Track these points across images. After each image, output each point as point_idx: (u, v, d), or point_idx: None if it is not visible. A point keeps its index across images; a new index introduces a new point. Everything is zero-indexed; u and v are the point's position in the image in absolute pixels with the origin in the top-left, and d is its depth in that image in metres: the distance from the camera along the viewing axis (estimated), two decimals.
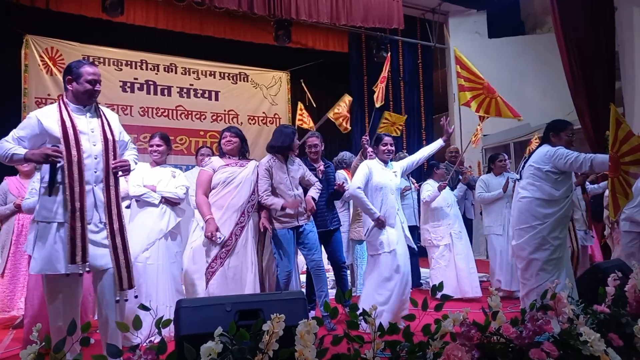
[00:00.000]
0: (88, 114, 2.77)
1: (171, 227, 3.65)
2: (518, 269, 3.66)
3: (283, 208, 3.70)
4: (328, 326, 3.62)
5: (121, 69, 7.54)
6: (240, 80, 8.58)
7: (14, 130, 2.67)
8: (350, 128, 6.13)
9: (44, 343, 1.61)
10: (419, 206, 5.49)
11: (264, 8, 6.73)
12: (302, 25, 7.83)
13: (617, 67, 6.79)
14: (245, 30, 7.85)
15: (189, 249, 4.09)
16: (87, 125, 2.73)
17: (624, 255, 4.41)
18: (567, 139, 3.51)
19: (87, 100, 2.76)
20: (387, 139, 4.06)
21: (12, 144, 2.62)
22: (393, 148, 4.11)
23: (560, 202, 3.40)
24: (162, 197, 3.64)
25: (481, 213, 5.79)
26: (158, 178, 3.71)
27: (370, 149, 4.34)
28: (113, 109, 3.05)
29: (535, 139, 5.70)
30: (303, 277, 4.54)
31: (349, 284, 4.55)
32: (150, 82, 7.77)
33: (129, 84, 7.59)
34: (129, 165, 2.82)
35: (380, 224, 3.78)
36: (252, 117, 8.61)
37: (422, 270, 5.89)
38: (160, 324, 1.70)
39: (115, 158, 2.78)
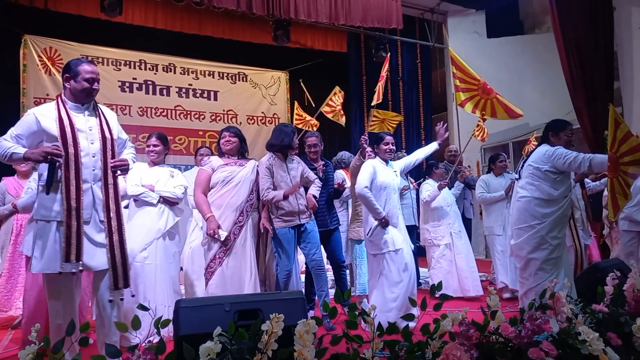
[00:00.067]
0: (86, 112, 2.76)
1: (169, 226, 3.65)
2: (517, 269, 3.67)
3: (285, 197, 3.68)
4: (327, 326, 3.62)
5: (120, 69, 7.54)
6: (239, 80, 8.58)
7: (12, 128, 2.67)
8: (344, 119, 6.16)
9: (42, 343, 1.61)
10: (418, 206, 5.50)
11: (263, 8, 6.73)
12: (300, 25, 7.84)
13: (616, 67, 6.79)
14: (244, 30, 7.85)
15: (187, 249, 4.09)
16: (85, 123, 2.73)
17: (623, 255, 4.42)
18: (566, 138, 3.52)
19: (85, 98, 2.75)
20: (388, 138, 4.06)
21: (11, 143, 2.62)
22: (394, 147, 4.12)
23: (559, 202, 3.40)
24: (161, 197, 3.64)
25: (481, 213, 5.79)
26: (156, 178, 3.71)
27: (369, 149, 4.34)
28: (112, 109, 3.05)
29: (534, 139, 5.71)
30: (302, 277, 4.53)
31: (348, 283, 4.55)
32: (149, 82, 7.77)
33: (127, 84, 7.59)
34: (128, 164, 2.82)
35: (385, 223, 3.78)
36: (251, 117, 8.61)
37: (420, 269, 5.88)
38: (159, 324, 1.70)
39: (113, 156, 2.77)
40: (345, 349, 1.79)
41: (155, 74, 7.84)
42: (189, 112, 8.05)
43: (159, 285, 3.55)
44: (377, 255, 3.84)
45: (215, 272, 3.47)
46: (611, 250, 5.28)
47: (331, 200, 4.40)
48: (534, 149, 3.65)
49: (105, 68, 7.27)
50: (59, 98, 2.75)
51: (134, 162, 2.98)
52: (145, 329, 2.90)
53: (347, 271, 4.52)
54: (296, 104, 6.50)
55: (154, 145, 3.78)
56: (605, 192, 3.83)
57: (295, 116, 6.44)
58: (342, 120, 5.86)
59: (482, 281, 5.26)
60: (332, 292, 4.16)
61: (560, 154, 3.35)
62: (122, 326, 1.80)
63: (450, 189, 5.38)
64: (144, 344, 1.78)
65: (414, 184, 5.73)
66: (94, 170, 2.69)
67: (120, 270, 2.70)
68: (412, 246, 4.19)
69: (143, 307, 1.79)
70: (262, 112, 8.74)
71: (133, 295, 2.82)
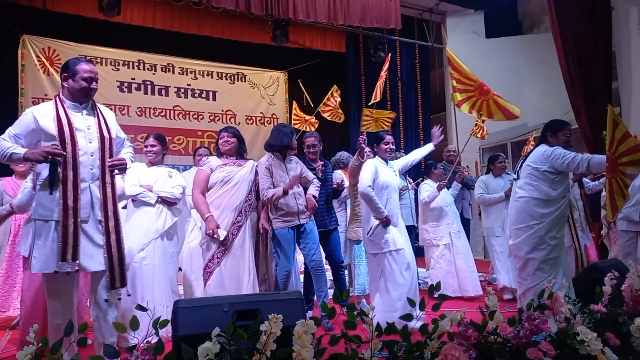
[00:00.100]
0: (84, 111, 2.76)
1: (167, 226, 3.65)
2: (515, 268, 3.67)
3: (285, 192, 3.68)
4: (326, 326, 3.62)
5: (118, 69, 7.54)
6: (237, 80, 8.58)
7: (10, 128, 2.67)
8: (343, 117, 6.18)
9: (40, 344, 1.61)
10: (416, 206, 5.50)
11: (262, 8, 6.73)
12: (299, 25, 7.83)
13: (614, 67, 6.80)
14: (242, 30, 7.84)
15: (186, 249, 4.09)
16: (83, 122, 2.72)
17: (621, 255, 4.42)
18: (565, 139, 3.52)
19: (83, 98, 2.75)
20: (388, 138, 4.07)
21: (10, 143, 2.61)
22: (394, 147, 4.12)
23: (557, 202, 3.41)
24: (159, 197, 3.64)
25: (480, 214, 5.79)
26: (154, 178, 3.71)
27: (367, 149, 4.33)
28: (110, 109, 3.04)
29: (533, 139, 5.71)
30: (301, 277, 4.53)
31: (347, 283, 4.55)
32: (147, 82, 7.77)
33: (126, 84, 7.59)
34: (126, 163, 2.82)
35: (386, 222, 3.78)
36: (249, 117, 8.61)
37: (419, 270, 5.88)
38: (157, 324, 1.70)
39: (111, 156, 2.77)
40: (344, 349, 1.79)
41: (153, 74, 7.83)
42: (187, 112, 8.05)
43: (157, 285, 3.55)
44: (378, 255, 3.84)
45: (214, 272, 3.47)
46: (609, 251, 5.29)
47: (330, 200, 4.40)
48: (532, 149, 3.65)
49: (103, 68, 7.27)
50: (57, 97, 2.75)
51: (132, 161, 2.98)
52: (144, 330, 2.92)
53: (346, 271, 4.52)
54: (295, 104, 6.50)
55: (152, 146, 3.78)
56: (604, 192, 3.83)
57: (293, 116, 6.44)
58: (341, 118, 5.88)
59: (480, 281, 5.26)
60: (330, 292, 4.16)
61: (558, 154, 3.35)
62: (121, 326, 1.80)
63: (448, 189, 5.38)
64: (142, 345, 1.78)
65: (412, 184, 5.74)
66: (92, 169, 2.69)
67: (117, 270, 2.70)
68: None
69: (141, 308, 1.79)
70: (261, 112, 8.74)
71: (129, 295, 2.82)
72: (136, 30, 7.19)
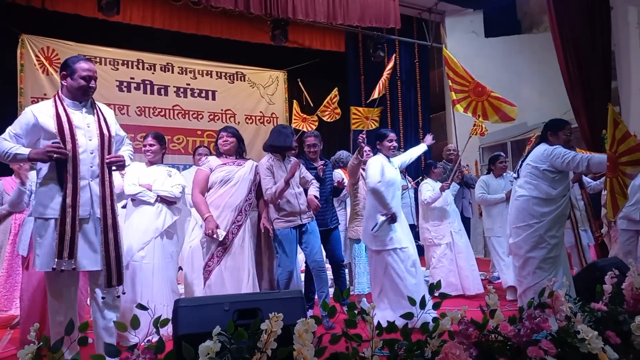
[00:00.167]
0: (84, 110, 2.76)
1: (167, 225, 3.65)
2: (515, 267, 3.67)
3: (286, 182, 3.67)
4: (326, 325, 3.62)
5: (118, 69, 7.53)
6: (237, 80, 8.57)
7: (10, 127, 2.66)
8: (340, 114, 6.21)
9: (41, 343, 1.61)
10: (416, 205, 5.49)
11: (261, 7, 6.72)
12: (298, 24, 7.83)
13: (613, 66, 6.80)
14: (242, 29, 7.83)
15: (187, 248, 4.09)
16: (83, 120, 2.72)
17: (622, 253, 4.43)
18: (565, 138, 3.52)
19: (82, 96, 2.74)
20: (391, 135, 4.07)
21: (12, 143, 2.61)
22: (397, 144, 4.13)
23: (557, 201, 3.41)
24: (158, 196, 3.64)
25: (480, 214, 5.79)
26: (153, 177, 3.71)
27: (367, 148, 4.34)
28: (110, 109, 3.04)
29: (535, 139, 5.70)
30: (302, 276, 4.53)
31: (347, 282, 4.56)
32: (147, 82, 7.76)
33: (125, 84, 7.58)
34: (124, 160, 2.81)
35: (393, 219, 3.79)
36: (249, 117, 8.61)
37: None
38: (158, 323, 1.70)
39: (110, 153, 2.77)
40: (345, 347, 1.79)
41: (153, 73, 7.83)
42: (187, 112, 8.04)
43: (156, 284, 3.54)
44: (382, 253, 3.82)
45: (213, 271, 3.47)
46: (609, 249, 5.29)
47: (331, 199, 4.40)
48: (531, 148, 3.66)
49: (103, 68, 7.26)
50: (56, 96, 2.75)
51: (130, 159, 2.98)
52: (144, 329, 2.92)
53: (346, 270, 4.52)
54: (296, 104, 6.50)
55: (150, 145, 3.78)
56: (604, 191, 3.83)
57: (293, 116, 6.44)
58: (336, 117, 5.92)
59: (481, 280, 5.26)
60: (331, 291, 4.17)
61: (558, 153, 3.35)
62: (121, 325, 1.80)
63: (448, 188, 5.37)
64: (143, 344, 1.78)
65: (412, 183, 5.74)
66: (92, 167, 2.69)
67: (114, 268, 2.70)
68: None
69: (142, 307, 1.79)
70: (261, 112, 8.74)
71: (124, 293, 2.81)
72: (135, 29, 7.18)
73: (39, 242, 2.60)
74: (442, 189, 5.02)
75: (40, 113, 2.65)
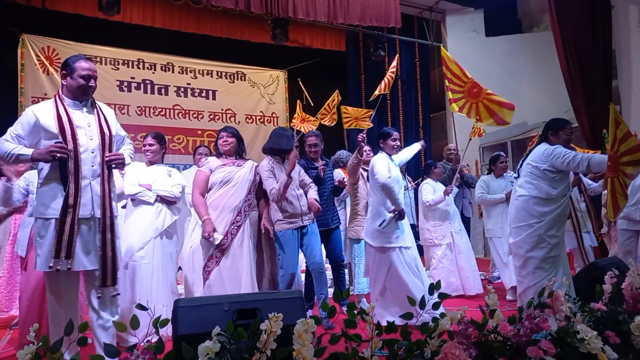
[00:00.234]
0: (84, 109, 2.76)
1: (167, 225, 3.64)
2: (515, 267, 3.67)
3: (288, 175, 3.65)
4: (326, 325, 3.62)
5: (118, 68, 7.53)
6: (237, 79, 8.57)
7: (11, 128, 2.66)
8: (336, 120, 6.21)
9: (41, 343, 1.61)
10: (416, 205, 5.49)
11: (261, 7, 6.72)
12: (299, 24, 7.83)
13: (614, 65, 6.80)
14: (242, 29, 7.83)
15: (188, 249, 4.08)
16: (83, 119, 2.73)
17: (621, 253, 4.43)
18: (566, 137, 3.52)
19: (82, 95, 2.74)
20: (395, 134, 4.08)
21: (14, 144, 2.61)
22: (400, 143, 4.14)
23: (557, 201, 3.41)
24: (158, 196, 3.64)
25: (481, 214, 5.78)
26: (153, 177, 3.71)
27: (367, 148, 4.33)
28: (110, 108, 3.04)
29: (537, 138, 5.69)
30: (302, 276, 4.53)
31: (347, 282, 4.55)
32: (147, 82, 7.76)
33: (126, 83, 7.58)
34: (124, 159, 2.81)
35: (401, 215, 3.81)
36: (249, 116, 8.61)
37: None
38: (158, 323, 1.70)
39: (111, 152, 2.77)
40: (344, 348, 1.79)
41: (153, 73, 7.83)
42: (187, 112, 8.04)
43: (156, 284, 3.54)
44: (387, 250, 3.81)
45: (213, 271, 3.47)
46: (609, 249, 5.29)
47: (332, 199, 4.40)
48: (533, 148, 3.65)
49: (103, 67, 7.27)
50: (57, 95, 2.75)
51: (131, 157, 2.98)
52: (144, 329, 2.92)
53: (346, 270, 4.52)
54: (299, 105, 6.49)
55: (150, 145, 3.78)
56: (605, 191, 3.83)
57: (293, 118, 6.44)
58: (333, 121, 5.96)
59: (481, 280, 5.26)
60: (330, 291, 4.16)
61: (559, 153, 3.35)
62: (121, 326, 1.80)
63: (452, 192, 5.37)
64: (142, 344, 1.78)
65: (412, 183, 5.74)
66: (93, 166, 2.69)
67: (109, 269, 2.69)
68: None
69: (142, 307, 1.79)
70: (261, 111, 8.74)
71: (118, 293, 2.81)
72: (136, 29, 7.18)
73: (40, 242, 2.60)
74: (446, 193, 5.01)
75: (41, 113, 2.65)
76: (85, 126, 2.72)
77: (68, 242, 2.56)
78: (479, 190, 5.24)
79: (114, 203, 2.79)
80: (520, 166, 3.63)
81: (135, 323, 1.70)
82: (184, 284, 4.05)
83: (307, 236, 3.85)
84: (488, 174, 5.48)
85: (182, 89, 8.03)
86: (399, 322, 1.93)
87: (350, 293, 4.41)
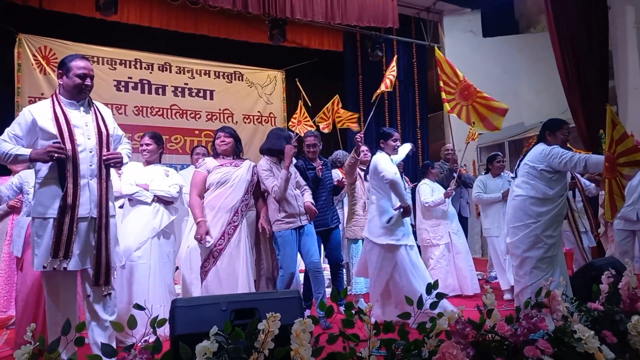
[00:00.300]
0: (81, 109, 2.76)
1: (164, 225, 3.64)
2: (512, 267, 3.68)
3: (287, 169, 3.66)
4: (324, 325, 3.62)
5: (115, 68, 7.51)
6: (235, 79, 8.56)
7: (8, 128, 2.66)
8: (331, 128, 6.22)
9: (38, 343, 1.60)
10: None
11: (259, 7, 6.71)
12: (297, 24, 7.82)
13: (611, 65, 6.81)
14: (239, 29, 7.82)
15: (185, 248, 4.08)
16: (81, 119, 2.72)
17: (618, 253, 4.45)
18: (563, 138, 3.53)
19: (78, 95, 2.74)
20: (396, 134, 4.09)
21: (12, 144, 2.60)
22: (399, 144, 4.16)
23: (554, 201, 3.42)
24: (155, 196, 3.63)
25: (479, 214, 5.78)
26: (150, 177, 3.71)
27: (364, 148, 4.34)
28: (107, 108, 3.04)
29: (533, 139, 5.70)
30: (301, 276, 4.53)
31: (345, 282, 4.55)
32: (144, 82, 7.74)
33: (123, 83, 7.56)
34: (121, 158, 2.80)
35: (407, 212, 3.84)
36: (247, 116, 8.60)
37: None
38: (155, 323, 1.70)
39: (108, 151, 2.77)
40: (342, 347, 1.79)
41: (150, 73, 7.81)
42: (184, 112, 8.03)
43: (153, 284, 3.54)
44: (393, 248, 3.80)
45: (210, 271, 3.46)
46: (606, 249, 5.30)
47: (331, 198, 4.40)
48: (530, 148, 3.66)
49: (100, 67, 7.25)
50: (54, 95, 2.75)
51: (128, 157, 2.97)
52: (141, 329, 2.91)
53: (344, 270, 4.52)
54: (300, 106, 6.48)
55: (147, 145, 3.78)
56: (602, 192, 3.84)
57: (291, 119, 6.44)
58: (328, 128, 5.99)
59: (478, 280, 5.27)
60: (328, 291, 4.16)
61: (556, 153, 3.36)
62: (118, 326, 1.80)
63: (445, 188, 5.37)
64: (140, 344, 1.78)
65: (409, 183, 5.74)
66: (90, 165, 2.69)
67: (103, 268, 2.69)
68: None
69: (139, 307, 1.79)
70: (259, 112, 8.73)
71: (110, 294, 2.80)
72: (133, 29, 7.17)
73: (37, 242, 2.59)
74: (447, 196, 5.02)
75: (38, 113, 2.65)
76: (83, 126, 2.71)
77: (66, 242, 2.56)
78: (476, 190, 5.25)
79: (111, 202, 2.79)
80: (518, 166, 3.64)
81: (132, 323, 1.70)
82: (182, 284, 4.05)
83: (304, 236, 3.86)
84: (485, 173, 5.50)
85: (179, 89, 8.02)
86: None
87: (348, 293, 4.42)
